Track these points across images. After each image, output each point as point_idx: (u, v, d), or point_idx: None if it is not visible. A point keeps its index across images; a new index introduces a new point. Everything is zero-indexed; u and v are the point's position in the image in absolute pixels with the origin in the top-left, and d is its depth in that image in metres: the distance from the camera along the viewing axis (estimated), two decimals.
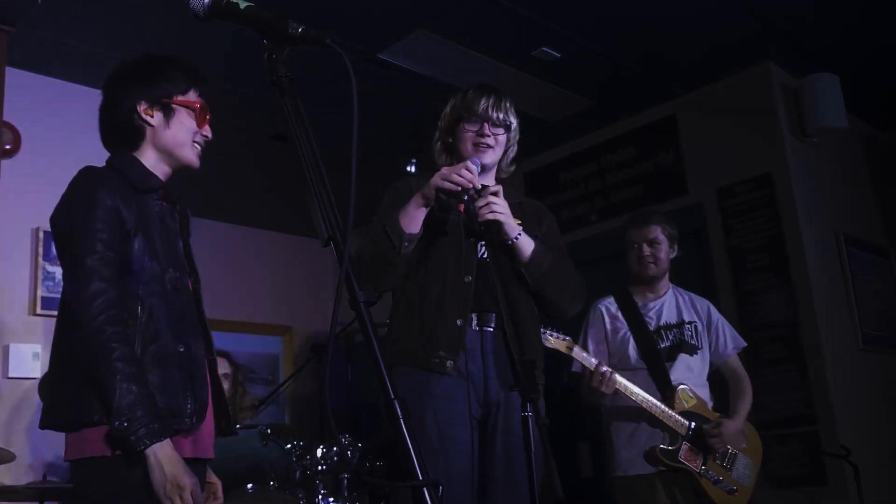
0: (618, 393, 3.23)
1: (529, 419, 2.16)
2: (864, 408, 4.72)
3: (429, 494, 1.25)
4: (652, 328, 3.43)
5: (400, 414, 1.30)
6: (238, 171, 5.71)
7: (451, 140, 2.63)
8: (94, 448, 1.86)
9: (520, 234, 2.47)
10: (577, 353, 3.12)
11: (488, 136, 2.55)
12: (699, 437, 3.26)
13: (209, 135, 2.15)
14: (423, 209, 2.44)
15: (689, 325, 3.45)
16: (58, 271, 4.18)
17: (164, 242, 2.04)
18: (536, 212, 2.73)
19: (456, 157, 2.61)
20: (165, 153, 2.10)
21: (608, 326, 3.49)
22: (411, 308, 2.49)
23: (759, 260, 4.75)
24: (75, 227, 1.93)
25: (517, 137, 2.66)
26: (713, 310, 3.56)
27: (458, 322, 2.43)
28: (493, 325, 2.48)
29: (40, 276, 4.14)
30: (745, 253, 4.81)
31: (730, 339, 3.51)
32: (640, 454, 3.28)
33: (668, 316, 3.46)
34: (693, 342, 3.42)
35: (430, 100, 4.94)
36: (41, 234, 4.19)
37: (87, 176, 2.01)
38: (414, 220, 2.43)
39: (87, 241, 1.89)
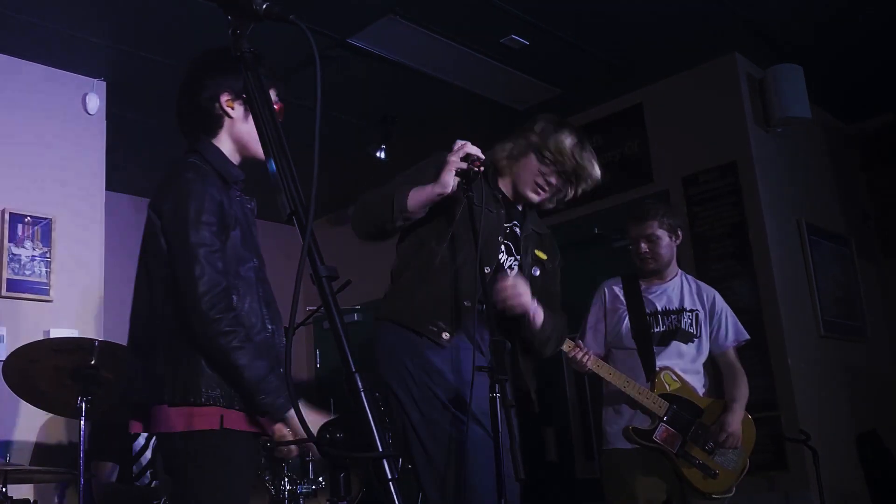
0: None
1: (497, 400, 2.21)
2: (824, 393, 4.82)
3: (388, 465, 1.27)
4: (649, 312, 3.49)
5: (360, 387, 1.32)
6: None
7: (516, 154, 2.63)
8: (202, 422, 1.96)
9: (536, 310, 2.51)
10: None
11: (553, 184, 2.61)
12: (678, 419, 3.32)
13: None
14: (437, 198, 2.43)
15: (689, 313, 3.48)
16: (23, 253, 4.15)
17: (249, 233, 2.16)
18: (553, 248, 2.78)
19: (511, 171, 2.64)
20: (240, 144, 2.18)
21: (608, 306, 3.58)
22: (426, 272, 2.50)
23: (722, 247, 4.83)
24: (188, 220, 1.99)
25: None
26: (719, 299, 3.57)
27: (466, 303, 2.45)
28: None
29: (6, 259, 4.10)
30: (708, 240, 4.88)
31: (731, 332, 3.52)
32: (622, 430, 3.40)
33: (669, 302, 3.50)
34: (690, 330, 3.46)
35: (399, 85, 4.99)
36: (7, 216, 4.14)
37: (196, 171, 2.08)
38: (422, 204, 2.43)
39: (200, 235, 1.99)
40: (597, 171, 2.63)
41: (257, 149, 2.17)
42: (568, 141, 2.58)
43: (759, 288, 4.66)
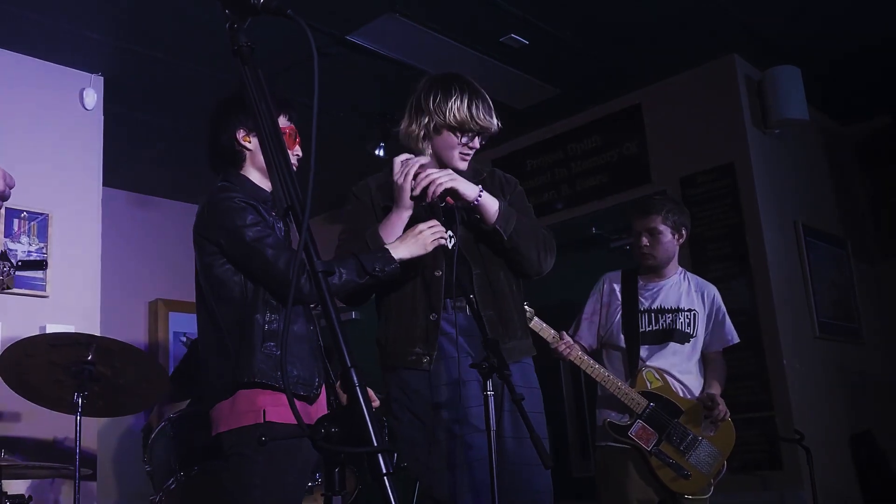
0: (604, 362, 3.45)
1: (490, 398, 2.22)
2: (819, 394, 4.83)
3: (383, 460, 1.27)
4: (643, 309, 3.49)
5: (356, 382, 1.32)
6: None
7: (426, 135, 2.56)
8: (248, 417, 2.19)
9: (481, 193, 2.46)
10: (536, 323, 3.20)
11: (476, 147, 2.57)
12: (656, 418, 3.33)
13: (300, 153, 2.48)
14: (405, 217, 2.46)
15: (686, 313, 3.47)
16: (19, 248, 4.14)
17: None
18: (499, 181, 2.72)
19: (438, 158, 2.58)
20: (263, 171, 2.43)
21: (605, 299, 3.59)
22: (389, 311, 2.53)
23: (719, 248, 4.83)
24: (237, 227, 2.26)
25: None
26: (717, 300, 3.56)
27: (432, 317, 2.45)
28: (468, 309, 2.48)
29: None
30: (706, 241, 4.89)
31: (718, 337, 3.53)
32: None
33: (665, 300, 3.50)
34: (686, 330, 3.46)
35: (398, 83, 4.97)
36: (3, 211, 4.12)
37: (225, 190, 2.37)
38: (394, 228, 2.45)
39: (253, 231, 2.24)
40: (496, 120, 2.56)
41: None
42: (470, 108, 2.52)
43: (756, 289, 4.66)
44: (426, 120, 2.53)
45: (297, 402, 2.16)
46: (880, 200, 5.82)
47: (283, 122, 2.44)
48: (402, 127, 2.61)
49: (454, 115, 2.49)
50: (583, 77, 5.09)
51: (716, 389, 3.42)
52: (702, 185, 4.96)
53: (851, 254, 5.58)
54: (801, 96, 4.90)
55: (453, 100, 2.50)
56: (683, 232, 3.53)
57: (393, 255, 2.30)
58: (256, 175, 2.44)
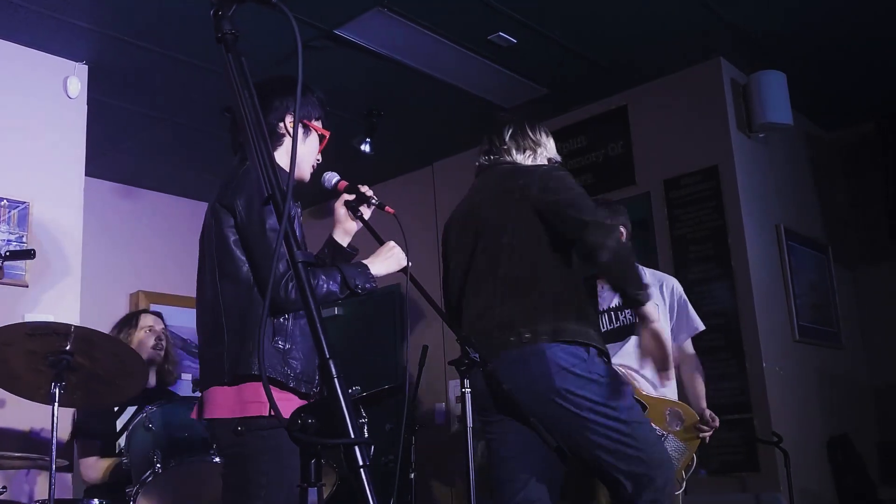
0: None
1: (467, 395, 2.27)
2: (797, 397, 4.86)
3: (359, 452, 1.26)
4: (602, 310, 3.53)
5: (334, 373, 1.31)
6: (193, 145, 5.65)
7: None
8: (252, 408, 2.13)
9: None
10: None
11: None
12: None
13: (320, 159, 2.53)
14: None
15: None
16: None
17: (293, 233, 2.37)
18: None
19: None
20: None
21: None
22: (571, 299, 2.70)
23: (701, 250, 4.86)
24: (262, 210, 2.19)
25: None
26: (678, 291, 3.61)
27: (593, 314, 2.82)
28: None
29: None
30: (688, 243, 4.91)
31: (685, 326, 3.58)
32: None
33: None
34: None
35: (385, 79, 4.97)
36: None
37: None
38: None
39: (273, 221, 2.18)
40: None
41: (305, 170, 2.46)
42: (554, 145, 3.04)
43: (737, 291, 4.69)
44: (541, 150, 2.95)
45: (298, 400, 2.19)
46: (861, 206, 5.87)
47: (318, 123, 2.49)
48: (514, 152, 2.93)
49: (552, 150, 3.02)
50: (570, 77, 5.10)
51: (705, 401, 3.50)
52: (685, 188, 4.98)
53: (832, 258, 5.62)
54: (785, 101, 4.93)
55: (550, 137, 3.03)
56: (622, 230, 3.58)
57: (372, 272, 2.36)
58: (285, 162, 2.38)
